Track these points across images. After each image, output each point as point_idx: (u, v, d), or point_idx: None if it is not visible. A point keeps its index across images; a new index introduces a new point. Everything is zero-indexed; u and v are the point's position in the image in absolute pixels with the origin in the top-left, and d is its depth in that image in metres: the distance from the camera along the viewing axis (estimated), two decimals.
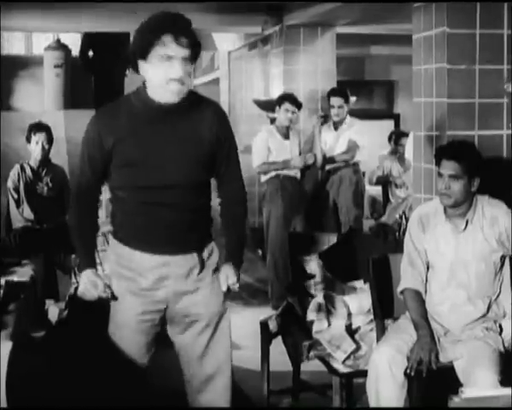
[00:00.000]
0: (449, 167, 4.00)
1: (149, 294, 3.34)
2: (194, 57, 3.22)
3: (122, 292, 3.35)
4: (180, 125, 3.29)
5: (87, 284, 3.32)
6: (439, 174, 4.05)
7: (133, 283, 3.33)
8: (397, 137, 9.08)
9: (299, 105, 7.45)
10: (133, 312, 3.35)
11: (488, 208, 4.08)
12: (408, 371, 3.87)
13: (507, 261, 4.11)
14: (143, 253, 3.31)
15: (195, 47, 3.22)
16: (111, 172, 3.31)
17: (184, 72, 3.16)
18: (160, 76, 3.15)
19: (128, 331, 3.37)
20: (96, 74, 10.64)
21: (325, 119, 7.81)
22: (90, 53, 10.60)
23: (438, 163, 4.08)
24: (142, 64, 3.19)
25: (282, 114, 7.40)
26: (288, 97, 7.50)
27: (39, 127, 6.61)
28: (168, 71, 3.14)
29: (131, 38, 3.31)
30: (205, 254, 3.42)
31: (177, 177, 3.28)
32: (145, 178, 3.25)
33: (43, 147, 6.55)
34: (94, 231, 3.49)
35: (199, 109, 3.33)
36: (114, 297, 3.36)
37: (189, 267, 3.37)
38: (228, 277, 3.51)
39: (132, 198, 3.30)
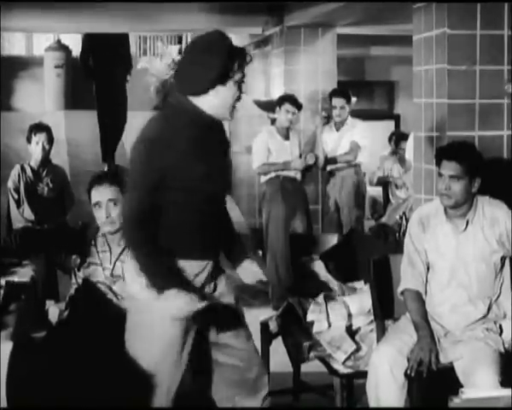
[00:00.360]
0: (449, 168, 4.00)
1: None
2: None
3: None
4: (221, 138, 3.56)
5: (187, 306, 3.30)
6: (440, 175, 4.05)
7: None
8: (397, 139, 9.07)
9: (299, 106, 7.45)
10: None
11: (489, 209, 4.08)
12: (408, 371, 3.87)
13: (507, 262, 4.11)
14: (192, 260, 3.40)
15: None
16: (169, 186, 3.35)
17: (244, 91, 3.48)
18: (234, 98, 3.40)
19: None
20: (98, 80, 10.62)
21: (327, 119, 7.81)
22: (91, 59, 10.58)
23: (438, 164, 4.08)
24: (218, 88, 3.36)
25: (283, 114, 7.40)
26: (289, 98, 7.50)
27: (40, 128, 6.62)
28: (238, 93, 3.42)
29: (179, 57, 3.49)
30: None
31: (223, 185, 3.54)
32: (205, 187, 3.38)
33: (43, 147, 6.55)
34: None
35: (221, 125, 3.58)
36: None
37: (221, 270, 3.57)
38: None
39: (189, 207, 3.38)
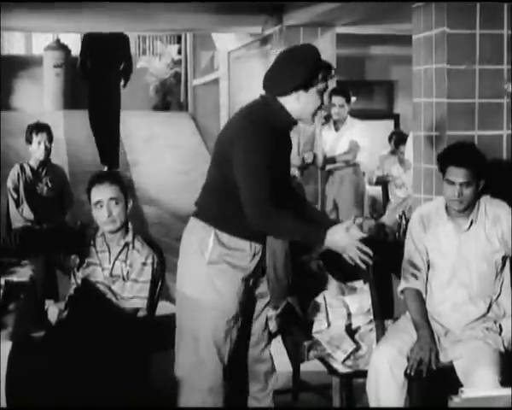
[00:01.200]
0: (460, 175, 3.97)
1: (245, 283, 3.79)
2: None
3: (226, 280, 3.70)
4: (288, 138, 3.87)
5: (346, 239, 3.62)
6: (449, 182, 4.01)
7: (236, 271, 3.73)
8: (397, 140, 9.06)
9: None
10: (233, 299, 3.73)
11: (490, 208, 4.08)
12: (408, 371, 3.87)
13: (507, 262, 4.11)
14: (250, 241, 3.77)
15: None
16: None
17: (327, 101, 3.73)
18: (316, 105, 3.69)
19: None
20: (91, 81, 10.62)
21: (327, 119, 7.81)
22: (89, 60, 10.56)
23: (443, 169, 4.04)
24: (300, 93, 3.66)
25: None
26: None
27: (40, 127, 6.60)
28: (320, 102, 3.70)
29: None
30: None
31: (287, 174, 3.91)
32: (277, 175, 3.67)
33: (45, 147, 6.55)
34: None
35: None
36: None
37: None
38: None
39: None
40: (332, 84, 8.46)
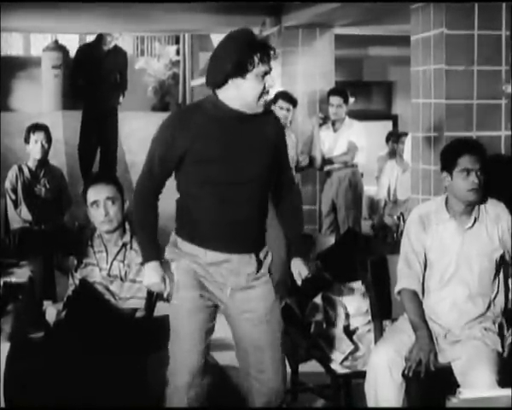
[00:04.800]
0: (477, 162, 3.97)
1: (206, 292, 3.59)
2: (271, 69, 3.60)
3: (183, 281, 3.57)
4: (252, 130, 3.59)
5: (154, 277, 3.55)
6: (465, 170, 3.97)
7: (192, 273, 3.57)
8: (396, 137, 9.06)
9: (293, 102, 7.42)
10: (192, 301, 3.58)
11: (491, 207, 4.09)
12: (406, 371, 3.87)
13: (505, 261, 4.11)
14: (208, 250, 3.56)
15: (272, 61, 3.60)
16: (185, 171, 3.55)
17: (273, 83, 3.56)
18: (258, 91, 3.48)
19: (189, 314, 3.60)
20: (86, 102, 10.23)
21: (324, 120, 7.80)
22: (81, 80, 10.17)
23: (454, 162, 4.02)
24: (236, 81, 3.46)
25: (277, 111, 7.38)
26: (281, 94, 7.47)
27: (38, 127, 6.61)
28: (264, 85, 3.49)
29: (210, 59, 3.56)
30: (261, 254, 3.81)
31: (248, 174, 3.56)
32: (222, 174, 3.52)
33: (42, 146, 6.55)
34: (156, 226, 3.64)
35: (264, 117, 3.65)
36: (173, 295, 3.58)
37: (250, 266, 3.68)
38: (300, 271, 3.84)
39: (206, 194, 3.53)
40: (331, 85, 8.48)
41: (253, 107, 3.52)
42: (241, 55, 3.42)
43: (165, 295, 3.58)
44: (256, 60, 3.42)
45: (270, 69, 3.51)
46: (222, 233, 3.56)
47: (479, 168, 3.98)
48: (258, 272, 3.70)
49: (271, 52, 3.49)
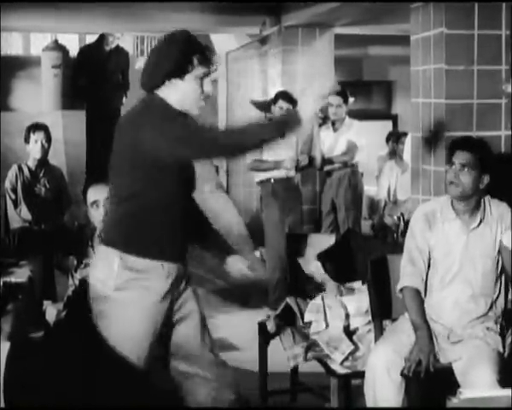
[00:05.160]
0: (461, 157, 4.00)
1: (161, 305, 3.39)
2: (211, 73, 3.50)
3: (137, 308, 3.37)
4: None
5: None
6: (450, 164, 4.03)
7: (147, 293, 3.36)
8: (396, 137, 9.05)
9: (293, 101, 7.42)
10: (147, 325, 3.38)
11: (494, 207, 4.09)
12: (406, 372, 3.87)
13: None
14: (160, 261, 3.37)
15: (214, 64, 3.49)
16: (151, 175, 3.34)
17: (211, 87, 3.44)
18: (198, 93, 3.39)
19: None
20: (90, 103, 10.27)
21: (324, 120, 7.80)
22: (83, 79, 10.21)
23: (451, 156, 4.06)
24: (174, 82, 3.36)
25: (277, 111, 7.39)
26: (281, 94, 7.49)
27: (38, 126, 6.62)
28: (204, 88, 3.40)
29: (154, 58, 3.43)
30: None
31: (192, 181, 3.49)
32: (178, 182, 3.38)
33: (42, 145, 6.55)
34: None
35: None
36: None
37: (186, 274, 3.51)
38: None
39: (162, 203, 3.36)
40: (331, 84, 8.46)
41: (189, 109, 3.42)
42: (181, 55, 3.34)
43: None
44: (195, 61, 3.35)
45: (210, 73, 3.43)
46: (178, 242, 3.44)
47: (462, 163, 3.99)
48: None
49: (212, 55, 3.43)
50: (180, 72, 3.34)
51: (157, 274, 3.35)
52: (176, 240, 3.41)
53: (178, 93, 3.38)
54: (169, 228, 3.38)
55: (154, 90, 3.39)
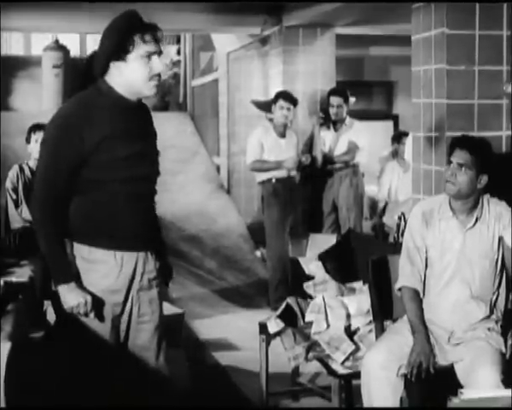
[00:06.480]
0: (459, 156, 4.00)
1: (116, 297, 3.36)
2: (161, 51, 3.36)
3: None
4: (143, 122, 3.44)
5: (78, 298, 3.29)
6: (449, 162, 4.03)
7: (101, 286, 3.34)
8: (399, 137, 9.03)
9: (294, 101, 7.44)
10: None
11: (492, 206, 4.09)
12: (408, 376, 3.85)
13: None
14: (116, 251, 3.32)
15: (162, 42, 3.36)
16: (92, 169, 3.28)
17: (162, 66, 3.31)
18: (144, 73, 3.27)
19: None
20: None
21: (325, 120, 7.80)
22: None
23: (450, 153, 4.07)
24: (118, 65, 3.28)
25: (278, 111, 7.41)
26: (282, 94, 7.51)
27: (39, 127, 6.61)
28: (151, 67, 3.28)
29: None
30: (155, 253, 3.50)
31: (149, 169, 3.42)
32: (129, 170, 3.31)
33: None
34: (65, 237, 3.35)
35: (144, 107, 3.48)
36: (101, 317, 3.37)
37: (151, 265, 3.44)
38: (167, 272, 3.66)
39: (115, 192, 3.30)
40: (332, 85, 8.47)
41: (139, 92, 3.32)
42: (119, 35, 3.24)
43: (91, 316, 3.34)
44: (137, 40, 3.23)
45: (159, 50, 3.30)
46: (134, 231, 3.35)
47: (460, 163, 3.99)
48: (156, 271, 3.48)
49: (156, 32, 3.29)
50: (121, 52, 3.25)
51: (108, 266, 3.31)
52: (129, 229, 3.33)
53: (123, 76, 3.29)
54: (121, 218, 3.32)
55: (103, 76, 3.32)
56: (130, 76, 3.28)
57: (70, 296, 3.28)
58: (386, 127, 11.36)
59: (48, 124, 3.38)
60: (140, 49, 3.24)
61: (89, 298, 3.29)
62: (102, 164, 3.27)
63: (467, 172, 3.98)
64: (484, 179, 4.02)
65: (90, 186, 3.30)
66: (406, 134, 8.07)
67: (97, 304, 3.33)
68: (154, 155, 3.46)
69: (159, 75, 3.30)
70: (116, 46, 3.24)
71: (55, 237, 3.29)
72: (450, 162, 4.04)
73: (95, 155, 3.25)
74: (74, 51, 14.33)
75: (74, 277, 3.30)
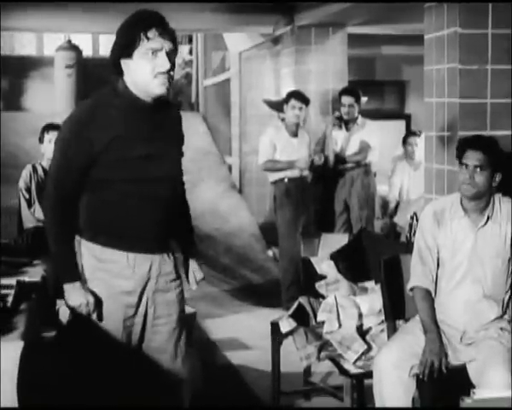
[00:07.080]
0: (474, 158, 3.98)
1: (129, 298, 3.35)
2: (176, 50, 3.31)
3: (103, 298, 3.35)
4: (161, 123, 3.37)
5: (80, 299, 3.31)
6: (463, 164, 4.02)
7: (113, 286, 3.33)
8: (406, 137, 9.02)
9: (306, 101, 7.44)
10: (115, 317, 3.36)
11: (504, 205, 4.08)
12: (420, 376, 3.84)
13: None
14: (128, 252, 3.31)
15: (176, 40, 3.32)
16: (103, 169, 3.27)
17: (170, 64, 3.24)
18: (147, 70, 3.21)
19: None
20: None
21: (339, 120, 7.80)
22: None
23: (461, 155, 4.05)
24: (126, 62, 3.25)
25: (289, 110, 7.41)
26: (294, 93, 7.51)
27: (52, 127, 6.63)
28: (156, 64, 3.22)
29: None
30: (177, 255, 3.49)
31: (163, 171, 3.34)
32: (139, 170, 3.28)
33: None
34: (75, 235, 3.37)
35: (168, 108, 3.43)
36: (100, 318, 3.37)
37: (169, 267, 3.42)
38: (195, 273, 3.61)
39: (126, 192, 3.29)
40: (344, 84, 8.46)
41: (146, 89, 3.25)
42: (125, 32, 3.22)
43: (94, 316, 3.35)
44: (142, 36, 3.18)
45: (167, 47, 3.23)
46: (147, 233, 3.32)
47: (476, 165, 3.98)
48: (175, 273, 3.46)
49: (162, 28, 3.24)
50: (127, 49, 3.22)
51: (121, 265, 3.30)
52: (141, 231, 3.31)
53: (131, 73, 3.26)
54: (132, 219, 3.30)
55: (119, 75, 3.29)
56: (135, 73, 3.25)
57: (73, 296, 3.31)
58: (398, 127, 11.33)
59: (62, 124, 3.39)
60: (145, 45, 3.20)
61: (91, 299, 3.30)
62: (111, 163, 3.25)
63: (483, 173, 3.98)
64: (498, 177, 4.03)
65: (99, 185, 3.29)
66: (414, 134, 8.06)
67: (101, 305, 3.33)
68: (172, 156, 3.41)
69: (167, 73, 3.23)
70: (123, 43, 3.23)
71: (64, 236, 3.31)
72: (462, 164, 4.02)
73: (104, 154, 3.24)
74: (87, 51, 14.37)
75: (80, 277, 3.32)
